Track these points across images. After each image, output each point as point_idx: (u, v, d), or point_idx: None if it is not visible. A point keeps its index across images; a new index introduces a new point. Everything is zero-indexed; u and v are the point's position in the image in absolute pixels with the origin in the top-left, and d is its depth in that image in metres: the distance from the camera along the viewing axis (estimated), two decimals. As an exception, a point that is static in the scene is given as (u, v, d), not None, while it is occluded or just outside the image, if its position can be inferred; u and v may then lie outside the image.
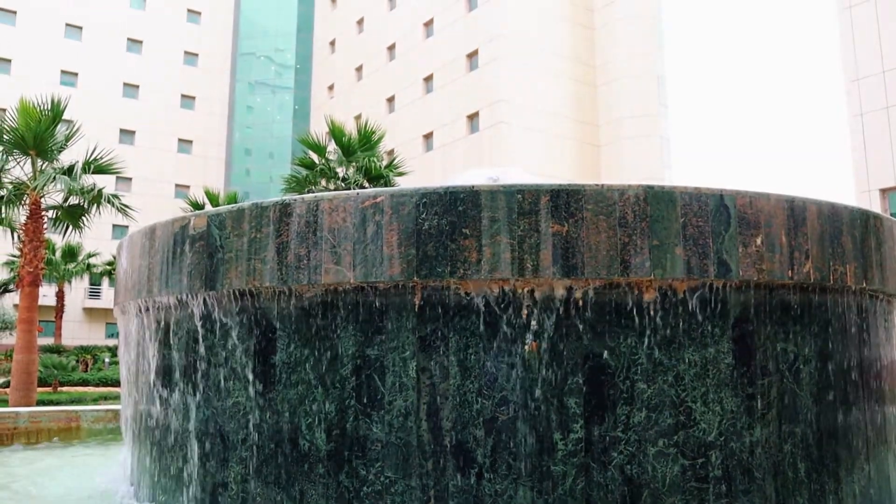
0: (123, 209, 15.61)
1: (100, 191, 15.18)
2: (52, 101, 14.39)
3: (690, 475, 3.16)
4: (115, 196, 15.73)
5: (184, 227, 3.72)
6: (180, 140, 51.10)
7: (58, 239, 20.37)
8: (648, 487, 3.12)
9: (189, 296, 3.73)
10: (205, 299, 3.69)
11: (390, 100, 44.10)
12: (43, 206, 14.92)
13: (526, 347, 3.17)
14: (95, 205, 15.30)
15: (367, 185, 18.37)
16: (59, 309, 35.03)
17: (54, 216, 15.58)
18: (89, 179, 15.26)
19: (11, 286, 30.14)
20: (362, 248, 3.23)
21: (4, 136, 14.24)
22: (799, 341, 3.47)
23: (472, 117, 37.97)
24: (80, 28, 47.77)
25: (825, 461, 3.48)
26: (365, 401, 3.27)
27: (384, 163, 19.55)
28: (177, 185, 49.68)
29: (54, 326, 35.10)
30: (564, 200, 3.14)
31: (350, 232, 3.26)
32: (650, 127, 38.28)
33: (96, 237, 29.42)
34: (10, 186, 14.75)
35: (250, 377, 3.52)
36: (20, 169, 14.81)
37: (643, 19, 39.25)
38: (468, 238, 3.14)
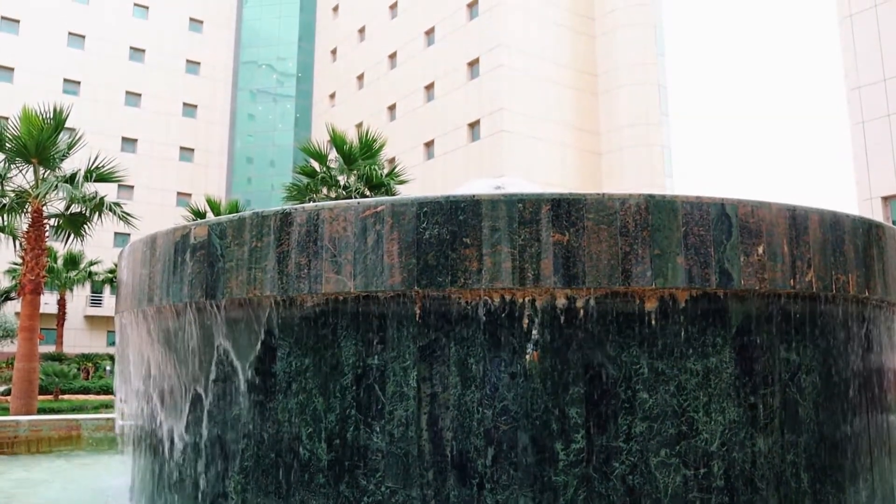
0: (125, 217, 15.60)
1: (101, 199, 15.19)
2: (55, 110, 14.43)
3: (693, 485, 3.15)
4: (117, 204, 15.73)
5: (185, 236, 3.72)
6: (182, 148, 51.21)
7: (59, 247, 20.42)
8: (650, 498, 3.10)
9: (189, 305, 3.73)
10: (205, 308, 3.68)
11: (391, 108, 44.20)
12: (45, 214, 14.92)
13: (527, 357, 3.16)
14: (97, 213, 15.31)
15: (368, 193, 18.38)
16: (61, 317, 35.04)
17: (56, 224, 15.58)
18: (91, 187, 15.27)
19: (13, 294, 30.14)
20: (363, 257, 3.23)
21: (7, 145, 14.26)
22: (801, 350, 3.46)
23: (473, 125, 38.03)
24: (83, 37, 47.95)
25: (828, 471, 3.46)
26: (365, 410, 3.26)
27: (385, 171, 19.55)
28: (178, 193, 49.76)
29: (56, 334, 35.10)
30: (565, 209, 3.13)
31: (351, 241, 3.26)
32: (651, 135, 38.35)
33: (98, 245, 29.44)
34: (12, 194, 14.76)
35: (250, 386, 3.51)
36: (22, 177, 14.83)
37: (644, 28, 39.36)
38: (469, 247, 3.13)
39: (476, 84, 37.98)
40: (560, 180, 36.12)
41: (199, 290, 3.62)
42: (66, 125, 14.60)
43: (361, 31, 48.44)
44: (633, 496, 3.09)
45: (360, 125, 39.93)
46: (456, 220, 3.15)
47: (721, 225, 3.22)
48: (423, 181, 34.16)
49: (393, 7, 45.53)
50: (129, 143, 48.58)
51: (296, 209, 3.41)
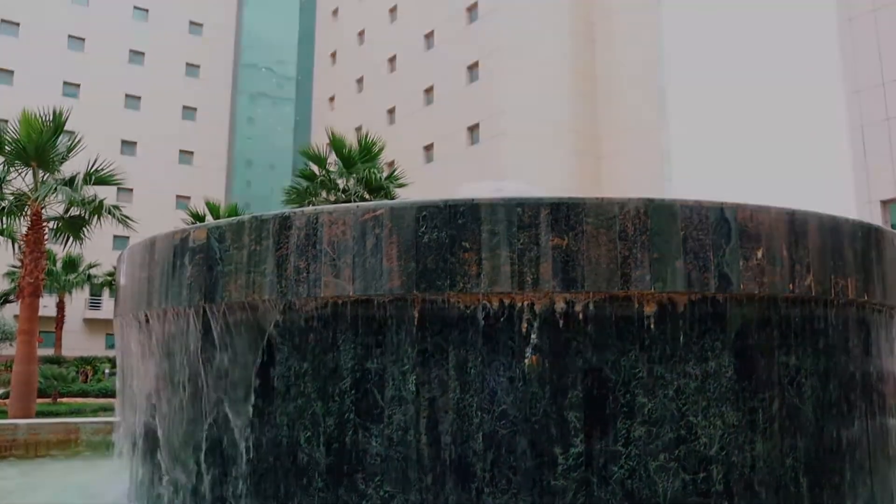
0: (124, 220, 15.60)
1: (101, 202, 15.19)
2: (54, 113, 14.42)
3: (692, 490, 3.14)
4: (116, 207, 15.74)
5: (184, 239, 3.72)
6: (182, 151, 51.19)
7: (58, 250, 20.38)
8: (649, 502, 3.10)
9: (188, 308, 3.72)
10: (204, 311, 3.67)
11: (391, 111, 44.22)
12: (44, 217, 14.92)
13: (526, 361, 3.15)
14: (96, 216, 15.31)
15: (367, 196, 18.38)
16: (60, 320, 34.96)
17: (55, 227, 15.57)
18: (90, 190, 15.27)
19: (12, 297, 30.10)
20: (362, 261, 3.23)
21: (6, 147, 14.26)
22: (800, 354, 3.45)
23: (473, 129, 38.06)
24: (83, 40, 47.98)
25: (827, 475, 3.46)
26: (364, 414, 3.25)
27: (385, 174, 19.56)
28: (178, 196, 49.70)
29: (54, 337, 35.02)
30: (564, 213, 3.13)
31: (350, 245, 3.25)
32: (651, 139, 38.35)
33: (97, 248, 29.36)
34: (11, 197, 14.75)
35: (249, 390, 3.50)
36: (21, 180, 14.83)
37: (644, 32, 39.39)
38: (468, 251, 3.13)
39: (475, 87, 38.02)
40: (559, 184, 36.09)
41: (198, 293, 3.61)
42: (65, 128, 14.61)
43: (361, 34, 48.48)
44: (631, 500, 3.09)
45: (359, 128, 39.93)
46: (455, 223, 3.15)
47: (720, 229, 3.22)
48: (422, 184, 34.08)
49: (392, 11, 45.57)
50: (128, 145, 48.57)
51: (295, 213, 3.41)
